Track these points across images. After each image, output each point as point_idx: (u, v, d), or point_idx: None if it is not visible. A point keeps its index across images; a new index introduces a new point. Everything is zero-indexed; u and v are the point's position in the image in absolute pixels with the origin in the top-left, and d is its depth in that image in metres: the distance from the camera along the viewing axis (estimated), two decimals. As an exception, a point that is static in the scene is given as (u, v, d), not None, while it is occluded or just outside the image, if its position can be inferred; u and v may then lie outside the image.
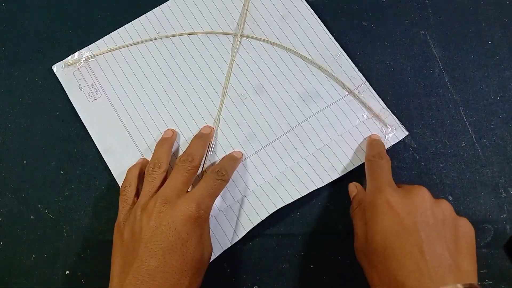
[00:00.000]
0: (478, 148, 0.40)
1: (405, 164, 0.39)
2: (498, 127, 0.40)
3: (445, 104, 0.41)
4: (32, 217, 0.40)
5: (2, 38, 0.45)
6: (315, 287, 0.38)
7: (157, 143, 0.39)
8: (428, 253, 0.28)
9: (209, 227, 0.34)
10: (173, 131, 0.40)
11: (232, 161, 0.38)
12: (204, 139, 0.39)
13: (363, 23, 0.43)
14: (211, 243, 0.35)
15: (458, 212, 0.31)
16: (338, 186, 0.39)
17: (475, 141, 0.40)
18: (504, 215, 0.38)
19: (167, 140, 0.39)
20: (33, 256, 0.39)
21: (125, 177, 0.37)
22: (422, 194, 0.31)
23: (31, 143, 0.42)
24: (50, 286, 0.39)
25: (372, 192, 0.33)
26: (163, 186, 0.34)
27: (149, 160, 0.38)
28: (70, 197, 0.41)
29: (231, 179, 0.38)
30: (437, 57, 0.42)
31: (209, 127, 0.40)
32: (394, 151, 0.40)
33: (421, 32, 0.43)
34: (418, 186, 0.32)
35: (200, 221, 0.33)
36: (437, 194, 0.38)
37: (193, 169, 0.35)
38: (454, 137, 0.40)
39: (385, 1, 0.44)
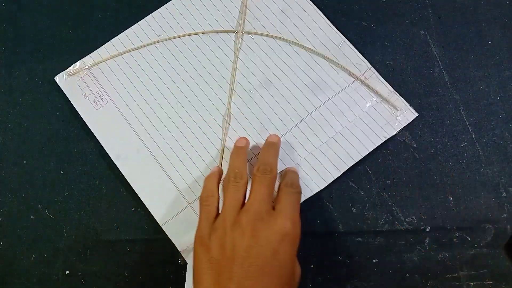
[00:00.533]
0: (479, 148, 0.40)
1: (406, 164, 0.39)
2: (498, 127, 0.40)
3: (445, 104, 0.41)
4: (32, 217, 0.40)
5: (2, 38, 0.45)
6: (315, 287, 0.38)
7: (232, 153, 0.37)
8: None
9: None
10: (246, 140, 0.39)
11: (295, 173, 0.37)
12: (275, 148, 0.37)
13: (363, 23, 0.43)
14: (299, 265, 0.32)
15: (458, 212, 0.31)
16: (338, 186, 0.39)
17: (476, 141, 0.40)
18: (505, 215, 0.38)
19: (242, 149, 0.37)
20: (33, 256, 0.39)
21: (205, 186, 0.35)
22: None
23: (31, 143, 0.42)
24: (50, 286, 0.39)
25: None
26: (250, 200, 0.32)
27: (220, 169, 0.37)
28: (70, 197, 0.40)
29: (248, 175, 0.38)
30: (437, 57, 0.42)
31: (276, 136, 0.39)
32: (394, 150, 0.40)
33: (421, 32, 0.43)
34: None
35: (295, 240, 0.31)
36: (437, 194, 0.38)
37: (274, 180, 0.34)
38: (455, 137, 0.40)
39: (385, 1, 0.44)
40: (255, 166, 0.35)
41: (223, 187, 0.35)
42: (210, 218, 0.33)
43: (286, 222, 0.30)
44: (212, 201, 0.34)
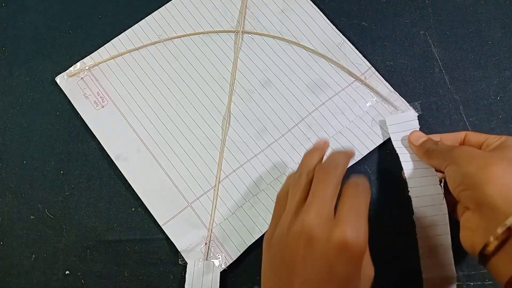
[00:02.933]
0: (478, 148, 0.40)
1: (405, 164, 0.39)
2: (498, 127, 0.40)
3: (445, 104, 0.41)
4: (32, 217, 0.40)
5: (2, 38, 0.45)
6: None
7: (306, 152, 0.33)
8: None
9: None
10: (325, 143, 0.33)
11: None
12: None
13: (363, 23, 0.43)
14: (372, 266, 0.28)
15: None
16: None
17: (475, 141, 0.40)
18: (504, 215, 0.38)
19: (318, 151, 0.32)
20: (33, 256, 0.39)
21: (285, 182, 0.32)
22: None
23: (31, 143, 0.42)
24: (50, 286, 0.39)
25: (474, 164, 0.29)
26: (308, 202, 0.28)
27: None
28: (70, 197, 0.41)
29: (248, 175, 0.38)
30: (437, 57, 0.42)
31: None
32: (395, 150, 0.40)
33: (421, 32, 0.43)
34: None
35: (359, 253, 0.25)
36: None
37: (339, 179, 0.28)
38: (454, 137, 0.40)
39: (385, 1, 0.44)
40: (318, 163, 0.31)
41: (290, 184, 0.31)
42: (278, 216, 0.30)
43: (345, 233, 0.25)
44: (284, 198, 0.31)
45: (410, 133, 0.37)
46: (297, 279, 0.26)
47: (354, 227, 0.26)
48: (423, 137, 0.36)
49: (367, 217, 0.27)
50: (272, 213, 0.34)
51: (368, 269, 0.27)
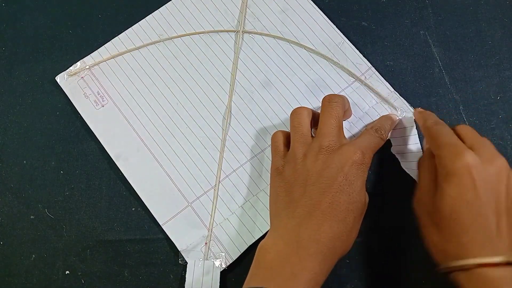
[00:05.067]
0: (478, 148, 0.39)
1: (405, 164, 0.39)
2: (498, 127, 0.40)
3: (445, 104, 0.41)
4: (32, 217, 0.40)
5: (2, 38, 0.45)
6: (315, 287, 0.38)
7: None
8: (495, 223, 0.29)
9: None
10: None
11: (390, 120, 0.38)
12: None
13: (363, 23, 0.43)
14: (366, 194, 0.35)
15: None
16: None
17: (475, 141, 0.40)
18: (504, 215, 0.38)
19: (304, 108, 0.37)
20: (33, 256, 0.39)
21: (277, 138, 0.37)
22: (501, 164, 0.31)
23: (31, 143, 0.42)
24: (50, 286, 0.39)
25: (448, 156, 0.32)
26: (317, 130, 0.35)
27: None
28: (70, 197, 0.40)
29: (248, 175, 0.39)
30: (437, 57, 0.42)
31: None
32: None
33: (421, 32, 0.43)
34: (497, 156, 0.32)
35: (364, 168, 0.33)
36: (437, 194, 0.38)
37: (342, 109, 0.35)
38: (454, 137, 0.40)
39: (385, 1, 0.44)
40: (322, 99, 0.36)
41: (290, 121, 0.36)
42: (280, 152, 0.36)
43: (357, 151, 0.32)
44: (279, 138, 0.37)
45: (416, 110, 0.39)
46: (309, 186, 0.32)
47: (363, 150, 0.33)
48: (429, 114, 0.37)
49: (374, 152, 0.35)
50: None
51: (365, 194, 0.34)
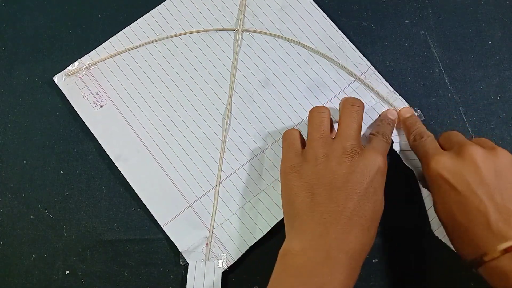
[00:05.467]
0: (478, 148, 0.40)
1: (405, 164, 0.39)
2: (498, 127, 0.40)
3: (445, 104, 0.41)
4: (32, 217, 0.40)
5: (2, 38, 0.45)
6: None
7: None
8: (490, 207, 0.29)
9: None
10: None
11: (391, 125, 0.38)
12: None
13: (363, 23, 0.43)
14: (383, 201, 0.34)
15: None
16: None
17: (475, 141, 0.40)
18: (504, 215, 0.38)
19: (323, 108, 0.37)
20: (33, 256, 0.39)
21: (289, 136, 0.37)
22: (471, 151, 0.31)
23: (31, 143, 0.42)
24: (50, 286, 0.39)
25: (423, 167, 0.34)
26: (342, 134, 0.34)
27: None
28: (70, 197, 0.40)
29: (249, 175, 0.39)
30: (437, 57, 0.42)
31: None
32: (395, 151, 0.40)
33: (421, 32, 0.43)
34: (468, 145, 0.32)
35: (385, 173, 0.33)
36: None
37: (362, 113, 0.35)
38: (454, 137, 0.40)
39: (385, 1, 0.44)
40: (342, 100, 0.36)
41: (308, 121, 0.36)
42: (296, 150, 0.35)
43: (378, 157, 0.32)
44: (295, 135, 0.36)
45: (400, 109, 0.40)
46: (335, 191, 0.31)
47: (383, 156, 0.33)
48: (408, 113, 0.39)
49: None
50: (272, 212, 0.38)
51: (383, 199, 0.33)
